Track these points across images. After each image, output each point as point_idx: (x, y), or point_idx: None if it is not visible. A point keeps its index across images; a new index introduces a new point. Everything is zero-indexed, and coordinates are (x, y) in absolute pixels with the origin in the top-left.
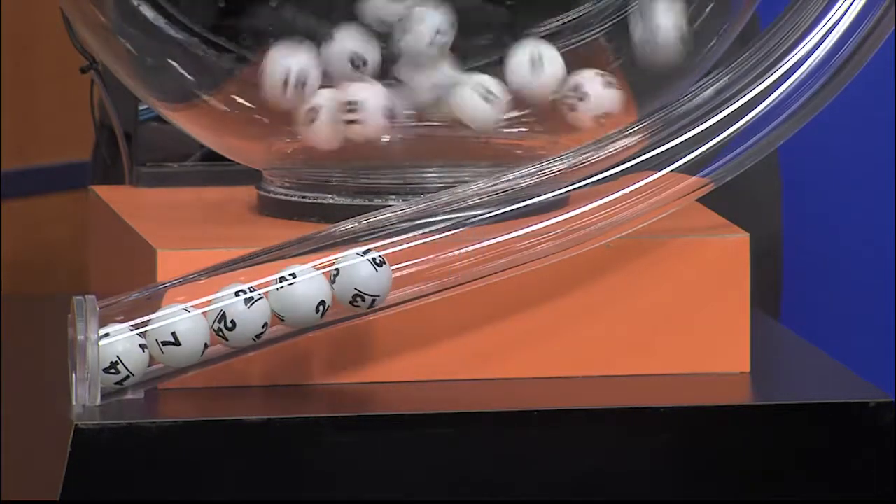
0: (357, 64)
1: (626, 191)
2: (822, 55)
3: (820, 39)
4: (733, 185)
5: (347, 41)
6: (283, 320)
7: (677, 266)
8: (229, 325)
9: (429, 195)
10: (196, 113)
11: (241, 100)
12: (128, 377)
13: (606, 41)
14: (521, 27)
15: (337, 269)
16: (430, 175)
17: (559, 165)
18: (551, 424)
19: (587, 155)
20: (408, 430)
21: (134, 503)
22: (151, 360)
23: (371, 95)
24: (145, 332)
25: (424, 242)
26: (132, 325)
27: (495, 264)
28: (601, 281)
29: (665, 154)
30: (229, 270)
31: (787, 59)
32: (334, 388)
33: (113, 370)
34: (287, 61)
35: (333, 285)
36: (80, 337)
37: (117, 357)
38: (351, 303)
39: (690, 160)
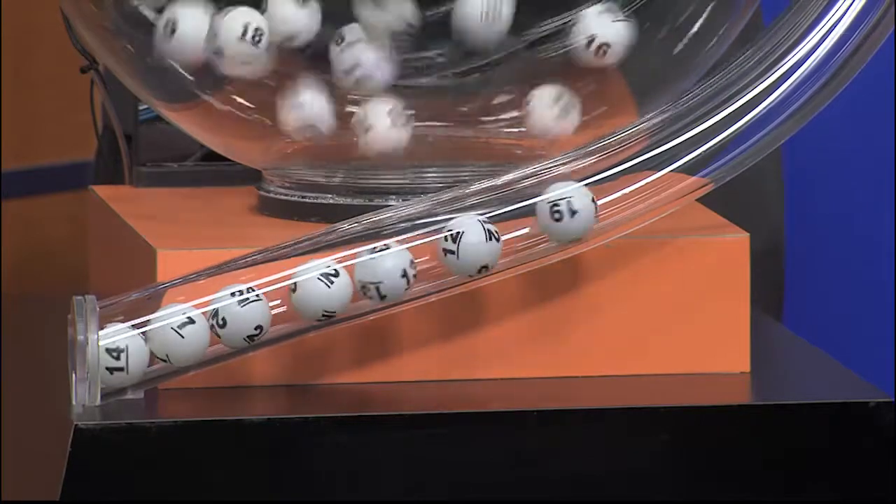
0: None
1: (626, 191)
2: (822, 55)
3: (820, 39)
4: (734, 185)
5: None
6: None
7: (677, 266)
8: (220, 322)
9: (429, 195)
10: (196, 113)
11: (241, 100)
12: (125, 369)
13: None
14: (521, 27)
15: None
16: (430, 175)
17: (559, 165)
18: (551, 424)
19: (587, 155)
20: (408, 430)
21: (134, 503)
22: (151, 360)
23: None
24: (251, 289)
25: (424, 242)
26: (137, 322)
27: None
28: (601, 281)
29: (665, 154)
30: (229, 270)
31: (787, 59)
32: (334, 388)
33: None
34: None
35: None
36: (80, 337)
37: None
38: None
39: (690, 160)
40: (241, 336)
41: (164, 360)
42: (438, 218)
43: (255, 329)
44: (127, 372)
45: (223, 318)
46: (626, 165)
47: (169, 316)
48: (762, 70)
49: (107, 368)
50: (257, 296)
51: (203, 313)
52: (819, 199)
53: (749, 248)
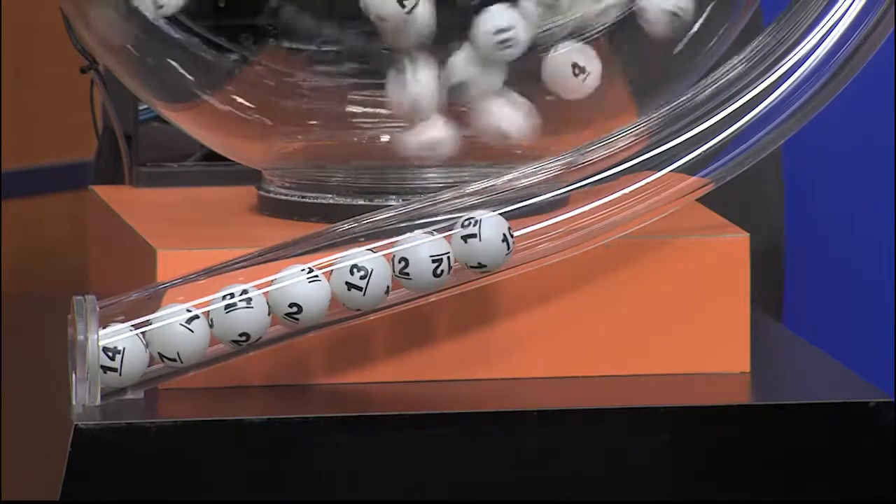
0: None
1: (626, 191)
2: (822, 55)
3: (820, 39)
4: (734, 185)
5: None
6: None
7: (677, 266)
8: (210, 322)
9: (429, 195)
10: (196, 113)
11: (241, 100)
12: (118, 370)
13: (606, 41)
14: None
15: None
16: (430, 175)
17: (559, 165)
18: (551, 424)
19: (587, 155)
20: (408, 430)
21: (134, 503)
22: (153, 361)
23: None
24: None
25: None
26: (132, 325)
27: None
28: (601, 281)
29: (665, 154)
30: (229, 270)
31: (787, 59)
32: (334, 388)
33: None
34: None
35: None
36: (80, 337)
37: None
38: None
39: (690, 160)
40: (227, 340)
41: (174, 360)
42: (438, 218)
43: (241, 336)
44: (120, 374)
45: (212, 320)
46: (626, 165)
47: (171, 315)
48: (762, 70)
49: (101, 367)
50: (248, 302)
51: (203, 313)
52: (819, 199)
53: (749, 248)
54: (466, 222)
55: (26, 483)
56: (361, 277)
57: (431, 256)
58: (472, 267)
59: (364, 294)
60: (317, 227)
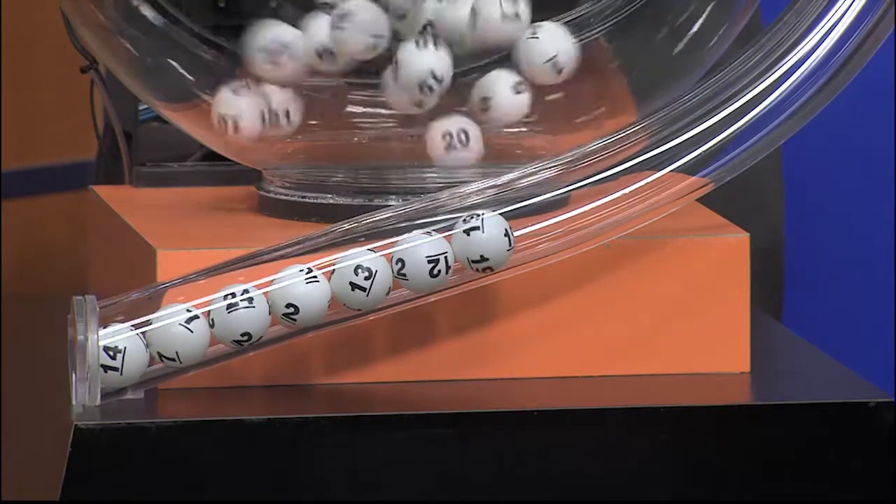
0: None
1: (626, 191)
2: (822, 55)
3: (820, 39)
4: (734, 185)
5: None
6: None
7: (677, 266)
8: (211, 322)
9: (429, 195)
10: (196, 113)
11: None
12: (119, 370)
13: (606, 41)
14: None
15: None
16: (430, 175)
17: (559, 165)
18: (551, 424)
19: (587, 155)
20: (408, 430)
21: (134, 503)
22: (152, 361)
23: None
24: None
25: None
26: (133, 325)
27: None
28: (601, 281)
29: (665, 154)
30: (229, 270)
31: (787, 59)
32: (334, 388)
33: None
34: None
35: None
36: (80, 337)
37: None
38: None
39: (690, 160)
40: (229, 340)
41: (173, 359)
42: (438, 218)
43: (243, 336)
44: (121, 373)
45: (213, 320)
46: (626, 165)
47: (171, 315)
48: (762, 70)
49: (102, 366)
50: (249, 301)
51: (203, 313)
52: (819, 199)
53: (749, 248)
54: (469, 218)
55: (26, 483)
56: (366, 278)
57: (427, 257)
58: (474, 261)
59: (368, 294)
60: (317, 227)
